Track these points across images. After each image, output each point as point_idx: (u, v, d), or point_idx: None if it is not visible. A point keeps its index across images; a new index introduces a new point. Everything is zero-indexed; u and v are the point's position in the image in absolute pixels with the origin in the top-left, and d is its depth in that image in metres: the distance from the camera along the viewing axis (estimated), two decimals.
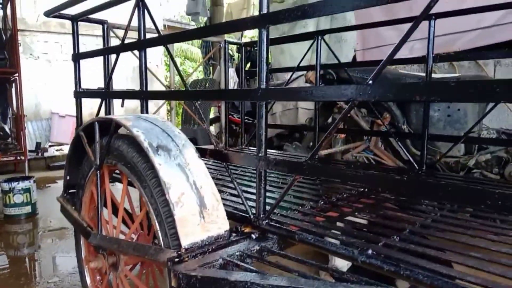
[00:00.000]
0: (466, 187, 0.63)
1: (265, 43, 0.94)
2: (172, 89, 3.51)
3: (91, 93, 1.75)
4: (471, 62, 3.28)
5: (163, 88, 3.76)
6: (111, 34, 2.26)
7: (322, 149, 2.47)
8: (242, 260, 0.89)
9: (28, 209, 3.13)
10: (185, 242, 0.91)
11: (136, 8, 1.33)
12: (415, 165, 1.75)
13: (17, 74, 3.76)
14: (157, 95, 1.42)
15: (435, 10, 0.86)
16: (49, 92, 7.49)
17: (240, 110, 2.79)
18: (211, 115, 4.97)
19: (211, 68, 6.28)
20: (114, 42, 1.81)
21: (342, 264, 1.78)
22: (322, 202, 1.21)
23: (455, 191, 0.64)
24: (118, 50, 1.46)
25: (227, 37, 6.47)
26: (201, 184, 1.00)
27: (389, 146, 2.28)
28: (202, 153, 1.12)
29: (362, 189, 1.37)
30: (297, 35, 2.35)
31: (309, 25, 4.70)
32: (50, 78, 7.59)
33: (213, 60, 5.65)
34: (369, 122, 2.31)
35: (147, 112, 1.37)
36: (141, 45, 1.34)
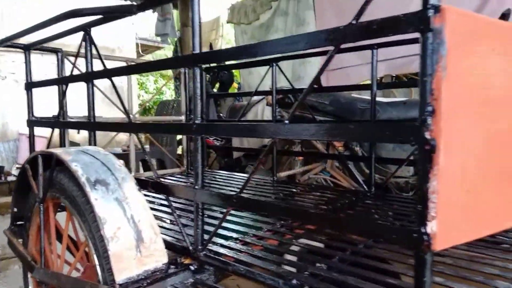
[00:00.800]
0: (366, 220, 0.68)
1: (199, 81, 0.99)
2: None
3: (43, 122, 1.74)
4: None
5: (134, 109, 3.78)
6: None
7: (282, 171, 2.53)
8: None
9: None
10: (119, 277, 0.93)
11: (83, 41, 1.36)
12: (365, 186, 1.82)
13: None
14: (104, 126, 1.44)
15: None
16: (16, 112, 7.30)
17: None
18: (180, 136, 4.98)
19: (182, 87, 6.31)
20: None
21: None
22: (266, 230, 1.25)
23: (357, 224, 0.69)
24: (66, 81, 1.48)
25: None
26: (139, 218, 1.02)
27: (345, 167, 2.36)
28: (144, 185, 1.14)
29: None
30: (251, 62, 2.43)
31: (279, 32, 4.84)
32: (17, 98, 7.41)
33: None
34: (326, 144, 2.38)
35: (94, 143, 1.39)
36: (87, 77, 1.36)
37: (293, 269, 0.95)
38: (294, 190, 1.91)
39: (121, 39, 8.23)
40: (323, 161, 2.36)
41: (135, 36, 10.05)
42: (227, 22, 5.78)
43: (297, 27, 4.73)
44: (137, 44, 10.40)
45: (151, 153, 3.86)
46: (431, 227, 0.61)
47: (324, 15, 4.34)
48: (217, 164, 3.80)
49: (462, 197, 0.65)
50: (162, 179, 2.17)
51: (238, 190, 1.62)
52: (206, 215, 1.24)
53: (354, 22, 0.69)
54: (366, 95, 2.27)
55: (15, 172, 5.96)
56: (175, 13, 6.67)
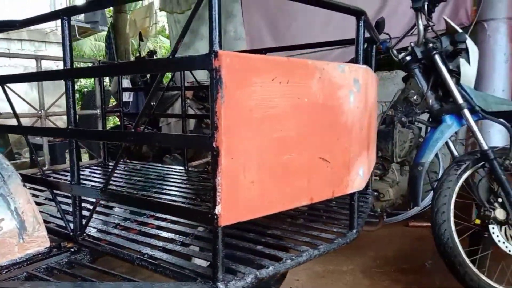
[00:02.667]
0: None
1: (71, 93, 1.16)
2: None
3: None
4: None
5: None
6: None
7: (194, 160, 2.75)
8: (49, 272, 1.10)
9: None
10: (1, 260, 1.10)
11: None
12: None
13: None
14: None
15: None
16: None
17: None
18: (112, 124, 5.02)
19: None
20: None
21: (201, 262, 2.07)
22: (149, 215, 1.46)
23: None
24: None
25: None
26: (23, 210, 1.19)
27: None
28: (32, 181, 1.30)
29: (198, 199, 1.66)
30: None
31: (206, 37, 4.99)
32: None
33: None
34: None
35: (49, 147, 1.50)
36: None
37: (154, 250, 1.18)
38: (197, 179, 2.14)
39: (56, 21, 7.89)
40: None
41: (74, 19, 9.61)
42: (160, 10, 5.81)
43: (225, 19, 4.90)
44: (73, 26, 9.97)
45: (66, 144, 3.88)
46: (218, 209, 0.86)
47: (250, 8, 4.55)
48: (150, 151, 3.95)
49: (246, 187, 0.90)
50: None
51: (143, 181, 1.81)
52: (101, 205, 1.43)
53: (171, 56, 0.91)
54: None
55: None
56: None
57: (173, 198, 1.64)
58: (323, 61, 1.05)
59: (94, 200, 1.24)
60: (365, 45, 1.84)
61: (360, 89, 1.16)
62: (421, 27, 1.96)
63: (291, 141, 0.99)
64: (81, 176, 2.17)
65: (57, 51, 7.91)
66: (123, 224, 1.37)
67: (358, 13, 1.18)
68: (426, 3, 1.87)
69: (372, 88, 1.34)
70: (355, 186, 1.20)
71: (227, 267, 0.99)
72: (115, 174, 2.30)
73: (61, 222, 1.36)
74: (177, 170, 2.36)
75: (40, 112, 2.22)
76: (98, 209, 1.48)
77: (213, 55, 0.82)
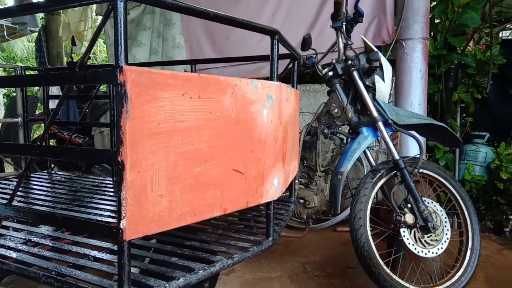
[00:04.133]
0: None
1: None
2: None
3: None
4: None
5: None
6: None
7: None
8: None
9: None
10: None
11: None
12: None
13: None
14: None
15: None
16: None
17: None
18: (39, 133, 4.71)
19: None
20: None
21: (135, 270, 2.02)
22: (64, 230, 1.41)
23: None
24: None
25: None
26: None
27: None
28: None
29: None
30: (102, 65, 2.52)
31: (144, 44, 4.90)
32: None
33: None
34: None
35: None
36: None
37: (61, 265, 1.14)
38: (113, 190, 2.09)
39: None
40: None
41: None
42: (96, 14, 5.60)
43: (164, 26, 4.86)
44: (1, 26, 9.29)
45: None
46: (123, 223, 0.86)
47: (190, 17, 4.55)
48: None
49: (154, 200, 0.91)
50: None
51: (66, 193, 1.73)
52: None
53: (77, 69, 0.90)
54: None
55: None
56: None
57: (90, 211, 1.59)
58: (235, 77, 1.09)
59: None
60: (288, 61, 1.95)
61: (273, 104, 1.22)
62: (341, 45, 2.11)
63: (202, 154, 1.02)
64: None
65: None
66: (33, 239, 1.31)
67: (272, 33, 1.25)
68: (344, 23, 2.02)
69: (289, 103, 1.41)
70: (269, 196, 1.26)
71: (137, 281, 0.99)
72: (36, 187, 2.18)
73: None
74: (105, 182, 2.29)
75: None
76: (15, 226, 1.40)
77: (118, 70, 0.83)
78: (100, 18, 6.41)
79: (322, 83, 3.73)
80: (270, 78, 1.28)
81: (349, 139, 2.21)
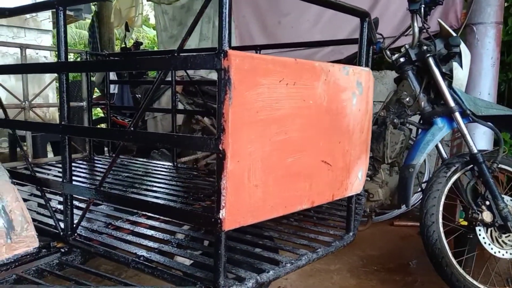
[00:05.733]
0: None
1: (65, 87, 1.10)
2: None
3: None
4: None
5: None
6: None
7: (182, 156, 2.71)
8: (39, 274, 1.05)
9: None
10: None
11: None
12: None
13: None
14: None
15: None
16: None
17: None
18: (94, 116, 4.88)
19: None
20: None
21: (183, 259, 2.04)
22: (140, 214, 1.42)
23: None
24: None
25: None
26: (11, 209, 1.13)
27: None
28: (20, 177, 1.24)
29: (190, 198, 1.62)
30: (165, 51, 2.53)
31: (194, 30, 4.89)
32: None
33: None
34: None
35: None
36: None
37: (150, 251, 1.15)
38: (188, 176, 2.10)
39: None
40: None
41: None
42: (147, 0, 5.67)
43: (214, 12, 4.82)
44: (53, 13, 9.69)
45: (48, 136, 3.72)
46: (222, 213, 0.83)
47: (240, 3, 4.50)
48: (134, 145, 3.86)
49: (250, 191, 0.88)
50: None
51: (132, 177, 1.76)
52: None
53: (176, 54, 0.88)
54: None
55: None
56: None
57: (166, 197, 1.60)
58: (328, 62, 1.03)
59: (85, 198, 1.19)
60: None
61: (362, 92, 1.15)
62: (416, 29, 1.97)
63: (294, 144, 0.97)
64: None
65: (36, 37, 7.62)
66: (114, 223, 1.33)
67: (362, 15, 1.17)
68: (423, 6, 1.88)
69: (372, 90, 1.33)
70: (353, 189, 1.20)
71: (227, 271, 0.97)
72: (101, 170, 2.24)
73: (49, 220, 1.31)
74: (166, 167, 2.31)
75: (24, 103, 2.13)
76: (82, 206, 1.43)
77: (222, 55, 0.79)
78: (148, 4, 6.50)
79: (379, 69, 3.58)
80: (357, 63, 1.20)
81: (419, 130, 2.08)
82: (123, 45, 4.86)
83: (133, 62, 0.89)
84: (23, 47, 2.16)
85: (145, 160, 2.56)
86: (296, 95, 0.95)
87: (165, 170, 2.21)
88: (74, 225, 1.16)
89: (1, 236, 1.09)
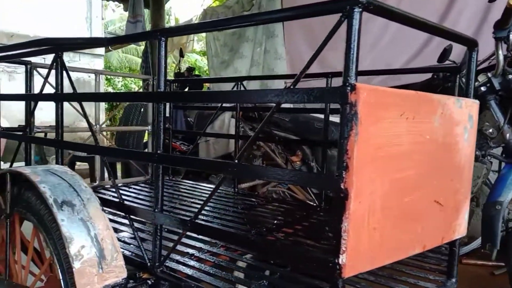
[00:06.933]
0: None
1: (162, 115, 1.10)
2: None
3: (10, 135, 1.79)
4: None
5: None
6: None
7: (243, 182, 2.67)
8: None
9: None
10: None
11: (54, 63, 1.43)
12: (316, 201, 2.00)
13: None
14: (71, 145, 1.52)
15: None
16: None
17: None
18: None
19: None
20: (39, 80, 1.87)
21: None
22: (219, 245, 1.38)
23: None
24: (35, 98, 1.54)
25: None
26: (102, 237, 1.12)
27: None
28: (108, 204, 1.24)
29: (264, 229, 1.56)
30: (221, 78, 2.56)
31: (245, 56, 4.97)
32: None
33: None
34: (284, 158, 2.55)
35: (62, 160, 1.46)
36: (57, 98, 1.44)
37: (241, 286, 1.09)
38: (252, 203, 2.05)
39: (91, 33, 8.08)
40: None
41: (103, 30, 9.87)
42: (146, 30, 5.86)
43: (267, 38, 4.89)
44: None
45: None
46: (342, 259, 0.77)
47: (293, 28, 4.52)
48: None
49: (369, 234, 0.81)
50: (125, 189, 2.25)
51: (198, 203, 1.73)
52: (165, 230, 1.36)
53: (291, 86, 0.84)
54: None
55: None
56: (147, 13, 6.66)
57: (244, 228, 1.55)
58: (444, 95, 0.96)
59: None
60: (447, 74, 1.76)
61: (473, 125, 1.07)
62: (501, 57, 1.85)
63: (411, 182, 0.90)
64: (131, 194, 2.13)
65: (89, 61, 8.04)
66: (196, 254, 1.29)
67: (471, 43, 1.10)
68: (511, 33, 1.77)
69: (477, 124, 1.24)
70: (460, 231, 1.09)
71: None
72: (165, 193, 2.23)
73: (133, 249, 1.29)
74: (228, 193, 2.28)
75: (95, 127, 2.19)
76: (166, 235, 1.40)
77: (349, 88, 0.75)
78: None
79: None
80: (465, 94, 1.12)
81: (503, 164, 1.93)
82: (177, 71, 4.99)
83: (244, 95, 0.87)
84: (97, 73, 2.24)
85: (205, 184, 2.55)
86: (415, 130, 0.88)
87: (230, 197, 2.17)
88: (163, 257, 1.13)
89: (93, 265, 1.08)
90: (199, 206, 1.90)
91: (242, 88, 2.27)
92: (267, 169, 0.87)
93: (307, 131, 2.43)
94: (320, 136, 2.32)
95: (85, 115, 1.35)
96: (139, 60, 12.45)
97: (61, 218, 1.08)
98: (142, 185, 2.44)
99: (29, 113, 1.74)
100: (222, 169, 0.95)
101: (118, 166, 4.44)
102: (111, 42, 1.20)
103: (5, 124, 2.16)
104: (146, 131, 2.91)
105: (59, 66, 1.42)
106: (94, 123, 2.21)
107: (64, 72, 1.39)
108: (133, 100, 1.36)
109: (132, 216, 1.23)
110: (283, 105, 2.80)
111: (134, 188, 2.30)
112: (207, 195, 2.14)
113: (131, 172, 4.16)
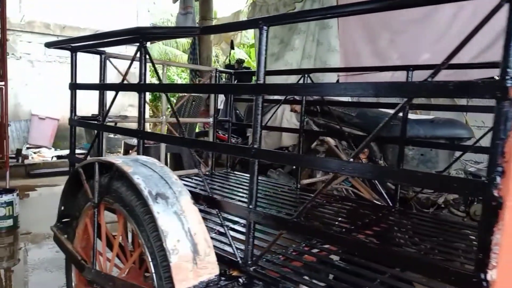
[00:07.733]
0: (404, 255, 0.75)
1: (260, 110, 1.05)
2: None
3: (86, 123, 1.81)
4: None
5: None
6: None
7: (303, 177, 2.59)
8: None
9: (10, 222, 3.12)
10: (179, 287, 1.00)
11: (138, 52, 1.42)
12: (389, 201, 1.89)
13: (3, 83, 3.74)
14: (153, 136, 1.51)
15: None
16: (29, 93, 7.39)
17: (228, 129, 2.88)
18: (197, 129, 5.04)
19: (197, 81, 6.36)
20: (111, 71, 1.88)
21: None
22: (304, 245, 1.32)
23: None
24: (117, 88, 1.54)
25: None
26: (195, 231, 1.09)
27: (367, 179, 2.42)
28: (196, 198, 1.21)
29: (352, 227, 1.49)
30: (286, 70, 2.49)
31: (297, 48, 4.86)
32: (31, 79, 7.50)
33: (199, 76, 5.72)
34: (349, 155, 2.44)
35: (143, 150, 1.45)
36: (140, 88, 1.42)
37: None
38: (318, 200, 1.97)
39: (138, 25, 8.27)
40: None
41: (151, 24, 10.07)
42: (248, 19, 5.81)
43: (320, 30, 4.75)
44: None
45: (168, 147, 3.89)
46: (491, 275, 0.68)
47: (349, 20, 4.36)
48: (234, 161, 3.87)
49: None
50: (188, 180, 2.24)
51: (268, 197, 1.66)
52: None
53: (429, 79, 0.75)
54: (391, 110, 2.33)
55: (25, 151, 6.05)
56: (196, 5, 6.69)
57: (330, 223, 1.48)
58: None
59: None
60: None
61: None
62: None
63: None
64: (192, 186, 2.10)
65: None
66: (285, 254, 1.23)
67: None
68: None
69: None
70: None
71: None
72: (221, 184, 2.20)
73: (219, 245, 1.26)
74: (291, 189, 2.21)
75: (162, 117, 2.20)
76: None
77: (510, 82, 0.65)
78: None
79: None
80: None
81: None
82: (227, 63, 4.97)
83: (352, 88, 0.80)
84: (165, 64, 2.24)
85: (265, 179, 2.50)
86: None
87: (291, 192, 2.10)
88: (256, 256, 1.08)
89: (188, 260, 1.05)
90: (268, 199, 1.86)
91: (309, 81, 2.19)
92: (408, 172, 0.79)
93: (376, 127, 2.31)
94: (391, 134, 2.20)
95: (171, 107, 1.32)
96: (178, 52, 12.59)
97: (156, 211, 1.06)
98: (206, 177, 2.42)
99: (103, 103, 1.75)
100: (330, 167, 0.88)
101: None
102: (205, 31, 1.16)
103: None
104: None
105: (143, 55, 1.41)
106: (161, 114, 2.22)
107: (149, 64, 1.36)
108: (222, 92, 1.31)
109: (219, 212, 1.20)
110: (342, 99, 2.65)
111: (195, 179, 2.28)
112: (270, 189, 2.09)
113: (182, 161, 4.19)
